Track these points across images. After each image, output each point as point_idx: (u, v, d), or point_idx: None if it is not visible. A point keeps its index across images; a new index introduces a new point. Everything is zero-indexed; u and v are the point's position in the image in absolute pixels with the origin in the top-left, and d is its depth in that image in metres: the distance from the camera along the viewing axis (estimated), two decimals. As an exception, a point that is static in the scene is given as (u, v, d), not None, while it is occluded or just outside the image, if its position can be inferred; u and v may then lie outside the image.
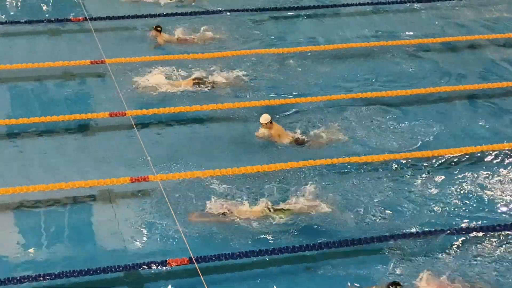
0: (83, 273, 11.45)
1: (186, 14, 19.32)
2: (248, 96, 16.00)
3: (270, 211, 12.66)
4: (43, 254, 12.09)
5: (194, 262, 11.54)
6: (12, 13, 19.26)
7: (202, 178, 13.45)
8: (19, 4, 19.65)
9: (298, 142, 14.60)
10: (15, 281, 11.31)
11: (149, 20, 18.80)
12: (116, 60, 16.81)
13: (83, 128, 15.01)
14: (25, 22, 18.59)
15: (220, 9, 19.62)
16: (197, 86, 15.97)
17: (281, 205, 12.86)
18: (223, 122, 15.38)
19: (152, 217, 12.79)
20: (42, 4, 19.68)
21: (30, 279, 11.35)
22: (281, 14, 19.74)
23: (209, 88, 15.99)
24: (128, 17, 18.89)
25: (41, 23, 18.60)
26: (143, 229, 12.56)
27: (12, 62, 16.66)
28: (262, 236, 12.35)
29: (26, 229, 12.61)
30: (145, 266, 11.73)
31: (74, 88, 16.32)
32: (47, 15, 19.03)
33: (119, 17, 18.86)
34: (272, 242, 12.22)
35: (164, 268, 11.73)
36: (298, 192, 13.20)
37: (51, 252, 12.14)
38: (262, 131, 14.60)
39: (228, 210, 12.67)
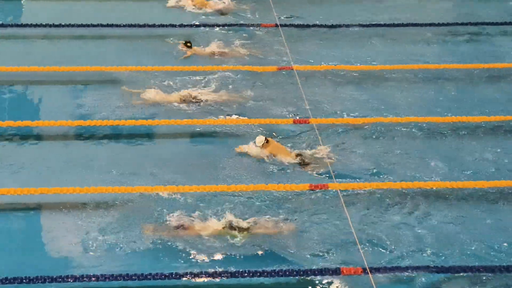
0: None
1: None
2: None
3: (231, 229, 12.39)
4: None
5: (369, 272, 11.29)
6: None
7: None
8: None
9: (303, 161, 14.14)
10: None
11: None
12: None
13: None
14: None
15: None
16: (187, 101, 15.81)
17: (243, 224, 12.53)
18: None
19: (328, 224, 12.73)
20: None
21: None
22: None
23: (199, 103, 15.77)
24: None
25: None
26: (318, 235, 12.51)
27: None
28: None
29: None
30: (317, 273, 11.63)
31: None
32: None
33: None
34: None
35: (337, 276, 11.59)
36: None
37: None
38: (257, 151, 14.26)
39: (185, 224, 12.44)
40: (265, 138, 14.20)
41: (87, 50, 17.85)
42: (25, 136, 14.70)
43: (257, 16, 19.58)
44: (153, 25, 18.61)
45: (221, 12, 19.68)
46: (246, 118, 15.25)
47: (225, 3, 19.87)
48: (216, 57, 17.48)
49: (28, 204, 13.02)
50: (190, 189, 13.16)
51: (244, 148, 14.34)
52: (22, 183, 13.24)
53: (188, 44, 17.58)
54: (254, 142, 14.26)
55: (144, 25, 18.59)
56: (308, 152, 14.30)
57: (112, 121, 14.92)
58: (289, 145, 14.53)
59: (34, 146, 14.56)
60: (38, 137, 14.83)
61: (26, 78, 16.43)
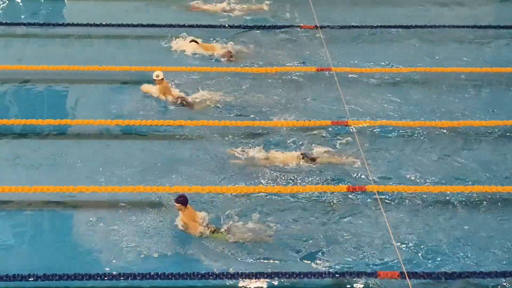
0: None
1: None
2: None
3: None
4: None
5: (406, 276, 11.21)
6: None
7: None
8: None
9: (308, 158, 14.10)
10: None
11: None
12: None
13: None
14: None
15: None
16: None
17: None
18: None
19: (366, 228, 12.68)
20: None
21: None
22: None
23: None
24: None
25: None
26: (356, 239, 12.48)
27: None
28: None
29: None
30: (354, 276, 11.60)
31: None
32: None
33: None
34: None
35: (373, 279, 11.54)
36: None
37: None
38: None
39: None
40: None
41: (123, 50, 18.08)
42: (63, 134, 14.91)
43: (296, 17, 19.55)
44: (197, 26, 18.76)
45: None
46: (285, 120, 15.25)
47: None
48: (246, 56, 17.56)
49: (65, 203, 13.17)
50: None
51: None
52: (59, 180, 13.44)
53: (197, 41, 17.60)
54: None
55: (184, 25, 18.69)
56: (343, 153, 14.31)
57: (151, 121, 15.01)
58: (326, 146, 14.50)
59: (72, 144, 14.73)
60: (76, 135, 14.96)
61: (67, 77, 16.59)
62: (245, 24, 19.10)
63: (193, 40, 17.61)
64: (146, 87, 15.97)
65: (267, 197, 13.22)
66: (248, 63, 17.27)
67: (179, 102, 15.66)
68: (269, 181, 13.62)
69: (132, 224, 12.61)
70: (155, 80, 15.64)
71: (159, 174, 13.74)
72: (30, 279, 11.32)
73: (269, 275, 11.61)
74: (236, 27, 18.88)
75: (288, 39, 18.49)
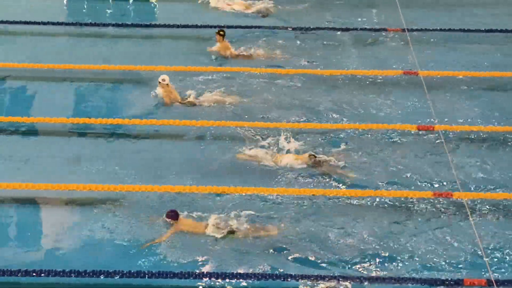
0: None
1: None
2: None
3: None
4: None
5: (494, 284, 10.95)
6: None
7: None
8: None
9: (315, 162, 13.88)
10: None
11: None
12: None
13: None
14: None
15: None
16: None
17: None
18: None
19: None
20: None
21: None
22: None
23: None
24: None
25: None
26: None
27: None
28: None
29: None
30: (439, 283, 11.41)
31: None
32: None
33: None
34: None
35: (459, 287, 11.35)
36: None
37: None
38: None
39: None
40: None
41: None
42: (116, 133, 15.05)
43: (383, 20, 19.43)
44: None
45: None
46: (368, 123, 15.11)
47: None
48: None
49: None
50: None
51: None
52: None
53: (221, 33, 17.45)
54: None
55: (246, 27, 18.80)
56: (428, 158, 14.10)
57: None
58: (412, 151, 14.31)
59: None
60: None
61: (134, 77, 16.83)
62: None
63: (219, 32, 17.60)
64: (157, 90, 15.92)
65: (335, 199, 13.16)
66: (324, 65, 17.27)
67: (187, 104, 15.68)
68: (330, 183, 13.58)
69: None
70: (160, 83, 15.67)
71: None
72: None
73: (349, 278, 11.54)
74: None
75: (374, 42, 18.38)
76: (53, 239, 12.38)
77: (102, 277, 11.41)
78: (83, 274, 11.39)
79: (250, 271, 11.65)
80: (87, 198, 13.09)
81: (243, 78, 16.58)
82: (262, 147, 14.35)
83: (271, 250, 12.10)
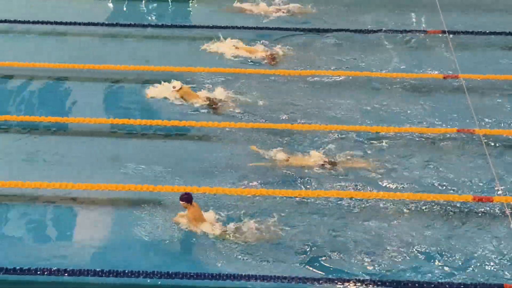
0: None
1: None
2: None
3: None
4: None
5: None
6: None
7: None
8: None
9: (329, 164, 13.86)
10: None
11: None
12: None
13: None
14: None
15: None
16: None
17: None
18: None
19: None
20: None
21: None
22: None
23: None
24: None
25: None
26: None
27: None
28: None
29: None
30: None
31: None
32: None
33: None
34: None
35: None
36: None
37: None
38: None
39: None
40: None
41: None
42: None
43: (423, 22, 19.29)
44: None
45: None
46: (407, 126, 15.01)
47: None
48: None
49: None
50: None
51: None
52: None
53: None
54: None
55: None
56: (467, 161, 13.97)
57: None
58: (452, 155, 14.20)
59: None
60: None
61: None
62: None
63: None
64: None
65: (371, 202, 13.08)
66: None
67: (206, 104, 15.61)
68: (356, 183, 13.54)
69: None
70: (173, 91, 15.71)
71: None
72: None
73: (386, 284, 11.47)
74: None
75: (413, 44, 18.25)
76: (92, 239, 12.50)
77: (141, 278, 11.48)
78: (122, 274, 11.48)
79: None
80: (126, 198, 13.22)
81: (282, 80, 16.61)
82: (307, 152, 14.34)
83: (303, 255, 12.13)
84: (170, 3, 20.55)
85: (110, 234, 12.55)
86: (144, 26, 18.92)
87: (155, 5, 20.52)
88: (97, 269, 11.52)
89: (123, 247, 12.24)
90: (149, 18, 19.76)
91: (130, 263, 11.81)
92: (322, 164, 13.88)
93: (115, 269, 11.52)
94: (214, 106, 15.57)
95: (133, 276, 11.44)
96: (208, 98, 15.67)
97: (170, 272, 11.48)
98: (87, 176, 13.53)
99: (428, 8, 19.66)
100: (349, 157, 14.05)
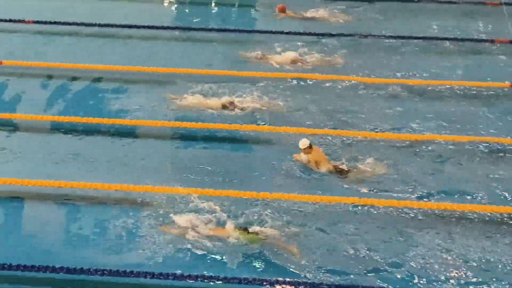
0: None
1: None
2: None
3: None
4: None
5: None
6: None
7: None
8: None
9: (340, 172, 13.55)
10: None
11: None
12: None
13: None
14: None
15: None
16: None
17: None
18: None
19: None
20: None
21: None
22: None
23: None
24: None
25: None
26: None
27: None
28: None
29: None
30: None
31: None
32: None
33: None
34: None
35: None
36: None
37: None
38: (301, 156, 13.92)
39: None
40: (309, 143, 13.81)
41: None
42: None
43: (490, 30, 19.05)
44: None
45: None
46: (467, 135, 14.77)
47: None
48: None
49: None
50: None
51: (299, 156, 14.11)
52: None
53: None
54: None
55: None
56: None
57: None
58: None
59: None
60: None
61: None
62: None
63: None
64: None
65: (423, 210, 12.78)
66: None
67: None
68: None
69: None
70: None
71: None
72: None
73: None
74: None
75: (478, 53, 18.08)
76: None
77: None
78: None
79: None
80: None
81: (340, 86, 16.57)
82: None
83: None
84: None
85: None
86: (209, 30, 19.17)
87: (217, 9, 20.76)
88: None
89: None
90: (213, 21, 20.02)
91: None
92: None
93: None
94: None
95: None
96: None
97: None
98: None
99: (495, 16, 19.56)
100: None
